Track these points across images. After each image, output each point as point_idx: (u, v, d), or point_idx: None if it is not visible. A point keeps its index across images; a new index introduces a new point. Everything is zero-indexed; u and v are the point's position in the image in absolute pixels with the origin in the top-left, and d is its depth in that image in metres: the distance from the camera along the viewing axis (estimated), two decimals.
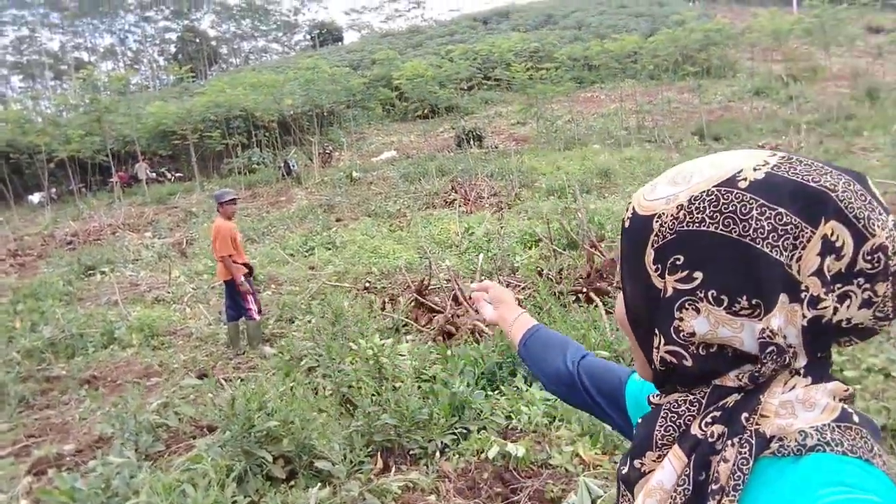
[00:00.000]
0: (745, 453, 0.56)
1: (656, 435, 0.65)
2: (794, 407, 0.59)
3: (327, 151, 24.12)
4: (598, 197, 12.68)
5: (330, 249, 10.92)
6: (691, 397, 0.63)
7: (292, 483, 3.52)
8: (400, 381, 4.15)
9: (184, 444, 4.31)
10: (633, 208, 0.66)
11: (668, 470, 0.61)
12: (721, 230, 0.57)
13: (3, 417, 5.29)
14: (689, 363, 0.62)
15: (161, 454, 4.23)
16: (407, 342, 5.51)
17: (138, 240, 14.86)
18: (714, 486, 0.56)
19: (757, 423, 0.58)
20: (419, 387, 4.32)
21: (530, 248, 8.56)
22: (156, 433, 4.44)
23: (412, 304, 6.53)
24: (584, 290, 5.83)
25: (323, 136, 25.79)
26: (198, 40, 63.25)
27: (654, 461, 0.65)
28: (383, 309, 6.71)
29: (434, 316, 6.15)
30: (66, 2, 56.49)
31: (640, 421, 0.70)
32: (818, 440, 0.55)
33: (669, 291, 0.61)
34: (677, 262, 0.60)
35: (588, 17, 41.61)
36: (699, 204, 0.59)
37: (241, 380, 5.15)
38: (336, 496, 3.24)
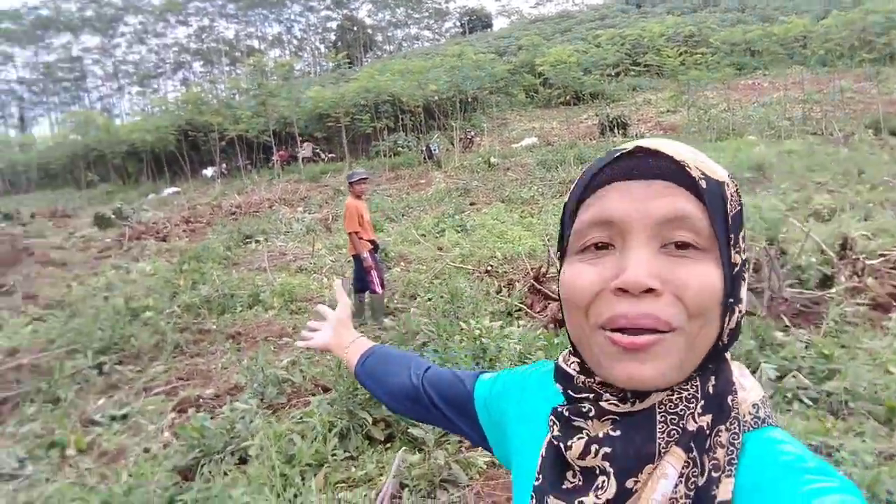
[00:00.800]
0: (735, 429, 0.59)
1: (660, 443, 0.59)
2: (740, 381, 0.64)
3: (469, 136, 24.55)
4: (748, 192, 11.84)
5: (460, 232, 11.18)
6: (686, 393, 0.60)
7: (388, 445, 3.75)
8: (499, 363, 4.24)
9: (302, 400, 4.69)
10: (701, 170, 0.60)
11: (671, 475, 0.58)
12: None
13: (162, 361, 6.05)
14: (738, 336, 0.63)
15: (283, 406, 4.65)
16: (518, 327, 5.57)
17: (291, 214, 16.09)
18: (715, 474, 0.57)
19: (737, 403, 0.61)
20: None
21: None
22: (281, 387, 4.88)
23: (529, 289, 6.57)
24: None
25: (465, 121, 26.26)
26: (355, 28, 66.60)
27: (649, 473, 0.59)
28: (499, 293, 6.81)
29: (549, 303, 6.15)
30: None
31: (607, 435, 0.61)
32: (765, 413, 0.63)
33: (739, 261, 0.61)
34: (742, 234, 0.62)
35: None
36: (735, 182, 0.63)
37: None
38: (425, 463, 3.42)
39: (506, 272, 7.93)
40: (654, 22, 29.24)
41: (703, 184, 0.59)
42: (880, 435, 3.12)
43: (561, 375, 0.69)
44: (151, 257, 11.95)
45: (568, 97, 27.67)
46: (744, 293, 0.62)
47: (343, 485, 3.49)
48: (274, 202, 18.28)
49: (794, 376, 3.75)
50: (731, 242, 0.60)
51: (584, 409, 0.63)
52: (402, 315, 6.71)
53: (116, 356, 6.09)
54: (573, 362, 0.68)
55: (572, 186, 0.68)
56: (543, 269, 6.59)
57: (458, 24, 70.33)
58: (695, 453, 0.58)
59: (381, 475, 3.47)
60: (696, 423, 0.59)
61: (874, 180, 10.74)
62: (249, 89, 29.70)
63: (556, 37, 38.46)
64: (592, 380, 0.64)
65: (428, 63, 26.88)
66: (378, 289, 6.87)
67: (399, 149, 24.64)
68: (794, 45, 24.22)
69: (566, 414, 0.65)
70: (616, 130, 21.61)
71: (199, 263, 10.09)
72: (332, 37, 70.72)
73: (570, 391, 0.67)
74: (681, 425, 0.59)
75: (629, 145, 0.63)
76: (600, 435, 0.61)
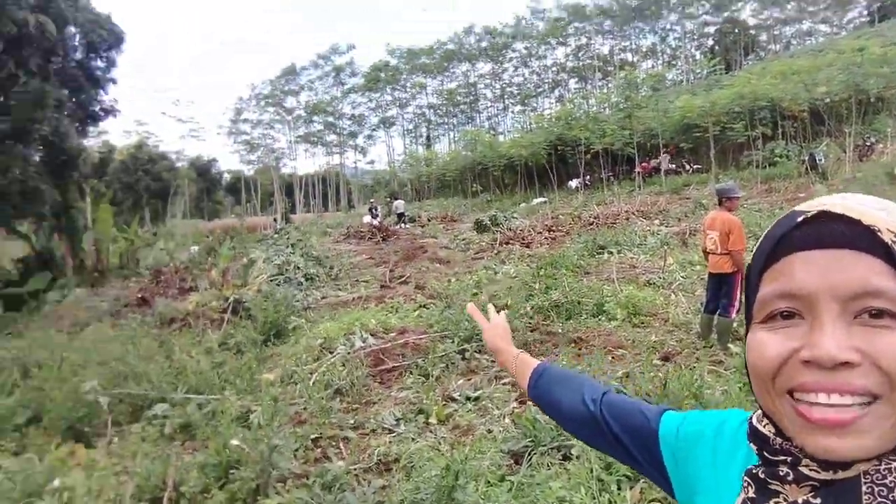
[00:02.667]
0: None
1: None
2: None
3: (868, 144, 20.87)
4: None
5: None
6: (895, 464, 0.58)
7: None
8: None
9: None
10: (894, 231, 0.58)
11: None
12: None
13: None
14: None
15: None
16: None
17: (647, 226, 16.01)
18: None
19: None
20: None
21: None
22: None
23: None
24: None
25: (865, 125, 22.39)
26: (736, 31, 62.08)
27: None
28: None
29: None
30: (618, 10, 63.05)
31: (807, 501, 0.60)
32: None
33: None
34: None
35: None
36: None
37: (688, 368, 5.31)
38: None
39: None
40: None
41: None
42: None
43: (755, 435, 0.68)
44: (515, 261, 13.24)
45: None
46: None
47: (657, 503, 3.49)
48: (631, 214, 18.37)
49: None
50: None
51: (782, 473, 0.62)
52: None
53: (476, 345, 6.98)
54: (767, 423, 0.67)
55: (755, 249, 0.67)
56: None
57: (864, 12, 59.94)
58: None
59: None
60: None
61: None
62: (618, 103, 30.37)
63: None
64: (790, 443, 0.63)
65: (817, 61, 23.68)
66: (734, 313, 6.49)
67: (775, 159, 22.29)
68: None
69: (762, 476, 0.64)
70: None
71: (554, 270, 10.80)
72: (710, 42, 67.30)
73: (765, 453, 0.66)
74: (891, 498, 0.56)
75: (813, 208, 0.61)
76: (799, 501, 0.60)
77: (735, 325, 6.61)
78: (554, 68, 70.05)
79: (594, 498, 3.47)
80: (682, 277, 9.89)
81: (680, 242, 13.37)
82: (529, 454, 4.07)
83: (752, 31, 66.03)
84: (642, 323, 7.69)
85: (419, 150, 64.55)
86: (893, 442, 0.57)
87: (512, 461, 4.11)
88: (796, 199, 16.66)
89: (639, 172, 26.72)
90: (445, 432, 4.79)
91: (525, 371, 1.19)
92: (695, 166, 26.89)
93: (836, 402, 0.56)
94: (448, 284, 11.21)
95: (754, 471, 0.66)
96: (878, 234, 0.57)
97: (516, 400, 5.39)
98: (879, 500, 0.56)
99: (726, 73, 41.10)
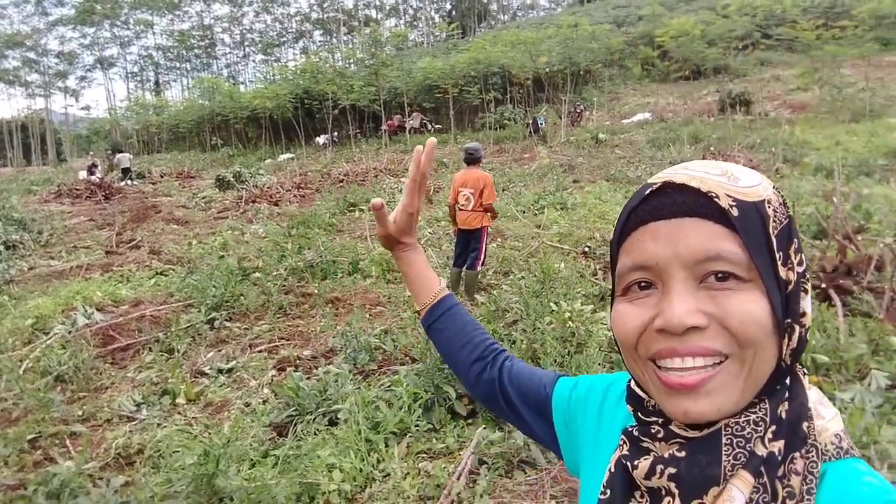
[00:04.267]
0: (813, 457, 0.58)
1: (725, 466, 0.58)
2: (817, 409, 0.63)
3: (578, 111, 23.94)
4: (880, 181, 10.85)
5: (559, 210, 10.99)
6: (753, 416, 0.59)
7: (470, 421, 3.81)
8: (587, 348, 4.17)
9: (391, 368, 4.84)
10: (732, 197, 0.59)
11: (738, 499, 0.57)
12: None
13: (266, 320, 6.42)
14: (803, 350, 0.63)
15: (373, 372, 4.82)
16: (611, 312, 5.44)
17: (395, 183, 16.43)
18: (790, 502, 0.56)
19: (814, 430, 0.60)
20: (611, 359, 4.31)
21: None
22: (372, 354, 5.06)
23: None
24: (823, 286, 5.15)
25: (576, 95, 25.60)
26: None
27: (715, 496, 0.58)
28: (594, 275, 6.66)
29: None
30: None
31: (672, 455, 0.61)
32: (848, 444, 0.61)
33: (793, 277, 0.60)
34: (795, 247, 0.61)
35: None
36: (779, 193, 0.63)
37: None
38: (505, 442, 3.45)
39: (603, 254, 7.74)
40: None
41: (735, 212, 0.58)
42: None
43: (632, 398, 0.70)
44: (264, 220, 12.60)
45: (687, 71, 26.25)
46: (806, 306, 0.62)
47: (424, 455, 3.59)
48: (379, 171, 18.70)
49: None
50: (780, 260, 0.59)
51: (653, 431, 0.64)
52: (493, 292, 6.73)
53: (226, 313, 6.51)
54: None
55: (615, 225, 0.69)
56: None
57: None
58: (765, 479, 0.57)
59: (461, 449, 3.54)
60: (766, 447, 0.58)
61: None
62: (364, 59, 30.44)
63: (680, 6, 36.36)
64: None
65: (540, 34, 26.33)
66: (480, 266, 6.92)
67: (505, 122, 24.44)
68: None
69: (636, 434, 0.66)
70: (738, 108, 20.34)
71: (306, 229, 10.53)
72: (448, 6, 70.77)
73: (640, 413, 0.68)
74: (748, 449, 0.58)
75: (659, 180, 0.63)
76: (666, 455, 0.62)
77: (479, 276, 7.12)
78: (298, 17, 67.58)
79: (363, 459, 3.45)
80: (430, 233, 10.34)
81: (426, 199, 13.96)
82: (294, 424, 3.90)
83: (485, 0, 70.97)
84: (396, 279, 7.87)
85: (147, 96, 57.71)
86: (748, 399, 0.59)
87: (276, 434, 3.90)
88: (522, 159, 18.51)
89: (385, 130, 27.29)
90: (197, 412, 4.37)
91: (425, 293, 1.06)
92: (437, 126, 28.29)
93: (689, 366, 0.58)
94: (189, 248, 10.28)
95: (630, 429, 0.68)
96: (716, 200, 0.58)
97: (274, 367, 5.14)
98: (738, 450, 0.58)
99: (462, 38, 43.67)
